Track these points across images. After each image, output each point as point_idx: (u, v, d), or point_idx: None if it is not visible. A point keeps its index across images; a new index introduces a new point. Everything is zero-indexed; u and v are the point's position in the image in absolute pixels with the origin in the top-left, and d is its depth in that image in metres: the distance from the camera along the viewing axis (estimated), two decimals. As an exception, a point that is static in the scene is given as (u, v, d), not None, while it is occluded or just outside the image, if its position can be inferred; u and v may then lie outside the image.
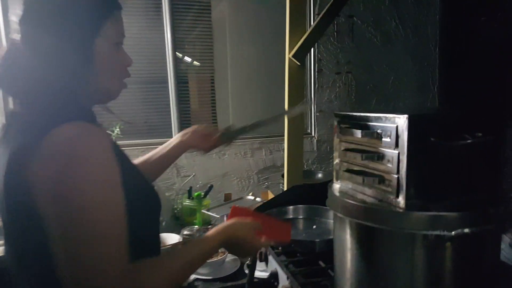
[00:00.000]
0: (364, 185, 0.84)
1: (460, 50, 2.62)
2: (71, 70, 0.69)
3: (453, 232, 0.70)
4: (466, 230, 0.70)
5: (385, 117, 0.78)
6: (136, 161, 1.06)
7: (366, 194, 0.85)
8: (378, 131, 0.80)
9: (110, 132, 2.07)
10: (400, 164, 0.75)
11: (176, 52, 2.52)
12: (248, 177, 2.68)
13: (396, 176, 0.76)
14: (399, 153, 0.75)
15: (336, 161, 0.97)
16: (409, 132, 0.73)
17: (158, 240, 0.88)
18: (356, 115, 0.89)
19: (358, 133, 0.82)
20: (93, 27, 0.71)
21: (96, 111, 0.79)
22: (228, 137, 1.21)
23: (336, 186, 0.97)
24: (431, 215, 0.73)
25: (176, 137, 1.16)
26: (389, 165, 0.78)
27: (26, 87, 0.69)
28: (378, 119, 0.80)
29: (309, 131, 2.82)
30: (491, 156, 0.79)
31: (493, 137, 0.76)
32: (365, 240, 0.83)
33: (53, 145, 0.61)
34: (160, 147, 1.14)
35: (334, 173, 1.00)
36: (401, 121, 0.74)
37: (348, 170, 0.90)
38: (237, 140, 2.59)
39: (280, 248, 1.36)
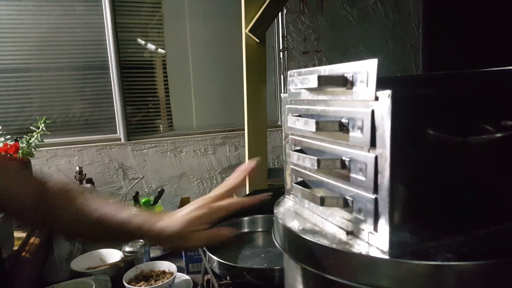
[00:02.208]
0: (324, 207, 0.53)
1: (447, 29, 2.34)
2: None
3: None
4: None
5: (354, 97, 0.46)
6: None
7: (329, 220, 0.54)
8: (342, 120, 0.48)
9: (35, 128, 1.70)
10: (379, 176, 0.43)
11: (138, 39, 2.16)
12: (210, 178, 2.34)
13: (372, 196, 0.45)
14: (376, 158, 0.43)
15: (288, 166, 0.65)
16: (394, 121, 0.41)
17: None
18: (312, 99, 0.57)
19: (312, 124, 0.50)
20: None
21: None
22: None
23: (287, 204, 0.65)
24: (433, 266, 0.42)
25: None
26: (361, 176, 0.46)
27: None
28: (342, 101, 0.48)
29: (278, 123, 2.50)
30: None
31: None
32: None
33: None
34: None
35: (286, 185, 0.68)
36: (381, 102, 0.41)
37: (301, 183, 0.58)
38: (195, 135, 2.31)
39: (228, 277, 1.04)
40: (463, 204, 0.47)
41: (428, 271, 0.42)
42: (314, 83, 0.49)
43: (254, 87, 1.54)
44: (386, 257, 0.43)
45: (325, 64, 2.38)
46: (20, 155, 1.54)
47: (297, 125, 0.56)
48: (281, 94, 0.67)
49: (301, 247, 0.50)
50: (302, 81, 0.54)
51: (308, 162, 0.52)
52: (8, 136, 1.60)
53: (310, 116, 0.55)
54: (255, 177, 1.66)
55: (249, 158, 1.64)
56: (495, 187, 0.47)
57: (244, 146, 2.36)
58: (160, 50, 2.31)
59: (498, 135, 0.43)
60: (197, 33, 2.34)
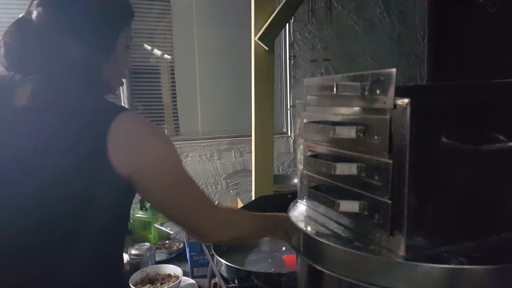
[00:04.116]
0: (339, 212, 0.54)
1: (452, 40, 2.37)
2: (95, 55, 0.74)
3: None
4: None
5: (371, 105, 0.48)
6: None
7: (343, 224, 0.55)
8: (359, 126, 0.50)
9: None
10: (396, 182, 0.45)
11: (145, 44, 2.19)
12: (215, 183, 2.35)
13: (388, 201, 0.46)
14: (393, 164, 0.45)
15: (301, 171, 0.67)
16: (412, 129, 0.43)
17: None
18: (329, 106, 0.58)
19: (329, 130, 0.52)
20: (119, 25, 0.78)
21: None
22: None
23: (301, 208, 0.67)
24: (447, 269, 0.43)
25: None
26: (377, 182, 0.48)
27: (46, 64, 0.71)
28: (360, 108, 0.50)
29: (284, 129, 2.52)
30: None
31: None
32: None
33: (129, 129, 0.69)
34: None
35: (299, 189, 0.70)
36: (399, 110, 0.43)
37: (316, 187, 0.60)
38: (201, 140, 2.33)
39: (236, 281, 1.05)
40: (475, 211, 0.48)
41: (442, 274, 0.43)
42: (332, 91, 0.51)
43: (262, 94, 1.55)
44: (402, 260, 0.44)
45: (331, 73, 2.41)
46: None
47: (313, 132, 0.58)
48: (296, 101, 0.68)
49: (317, 250, 0.52)
50: (319, 89, 0.56)
51: (324, 167, 0.54)
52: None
53: (325, 122, 0.57)
54: (261, 183, 1.67)
55: (255, 164, 1.65)
56: (506, 195, 0.49)
57: (250, 152, 2.37)
58: (166, 56, 2.33)
59: (510, 144, 0.45)
60: (204, 40, 2.37)
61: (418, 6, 2.63)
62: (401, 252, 0.45)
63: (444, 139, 0.45)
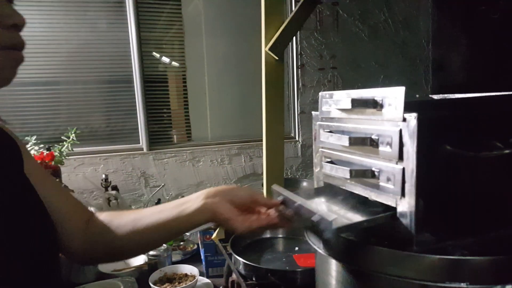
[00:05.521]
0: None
1: (455, 45, 2.43)
2: None
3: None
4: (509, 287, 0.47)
5: (383, 117, 0.55)
6: (126, 215, 0.73)
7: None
8: (373, 136, 0.57)
9: (65, 138, 1.80)
10: (406, 185, 0.52)
11: (153, 53, 2.28)
12: (226, 186, 2.43)
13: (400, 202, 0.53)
14: (403, 169, 0.52)
15: (316, 176, 0.74)
16: (419, 139, 0.49)
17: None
18: (343, 117, 0.65)
19: (345, 140, 0.59)
20: None
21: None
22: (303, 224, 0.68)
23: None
24: (451, 260, 0.50)
25: (195, 197, 0.68)
26: (389, 185, 0.54)
27: None
28: (372, 120, 0.57)
29: (292, 134, 2.59)
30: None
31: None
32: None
33: None
34: (163, 205, 0.71)
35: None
36: (408, 122, 0.50)
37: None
38: (212, 145, 2.41)
39: (254, 278, 1.12)
40: (475, 210, 0.55)
41: (447, 264, 0.50)
42: (347, 105, 0.58)
43: (273, 102, 1.61)
44: (412, 252, 0.51)
45: (338, 79, 2.47)
46: (53, 163, 1.64)
47: (330, 140, 0.65)
48: (312, 112, 0.75)
49: (337, 245, 0.59)
50: (335, 102, 0.63)
51: (341, 172, 0.60)
52: (42, 145, 1.70)
53: (342, 132, 0.64)
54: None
55: (266, 169, 1.71)
56: (503, 195, 0.55)
57: (259, 156, 2.45)
58: (174, 63, 2.42)
59: (507, 151, 0.52)
60: (214, 48, 2.45)
61: (422, 12, 2.69)
62: (411, 245, 0.51)
63: (447, 147, 0.52)
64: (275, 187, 0.72)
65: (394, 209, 0.54)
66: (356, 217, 0.56)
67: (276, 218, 0.66)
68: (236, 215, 0.65)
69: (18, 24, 0.50)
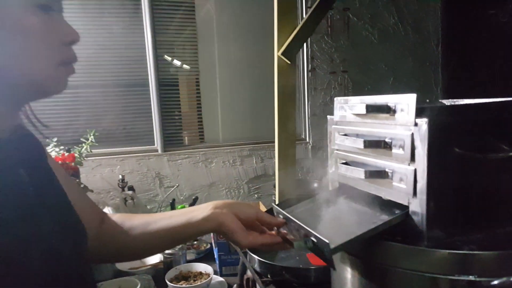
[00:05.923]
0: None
1: (465, 47, 2.45)
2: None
3: (496, 281, 0.51)
4: (514, 279, 0.51)
5: (396, 122, 0.59)
6: (138, 218, 0.77)
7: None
8: (386, 139, 0.61)
9: (84, 140, 1.87)
10: (418, 185, 0.56)
11: (165, 56, 2.34)
12: (238, 187, 2.48)
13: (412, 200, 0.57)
14: (415, 170, 0.56)
15: (330, 177, 0.78)
16: (430, 142, 0.53)
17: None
18: (358, 121, 0.70)
19: (359, 142, 0.63)
20: None
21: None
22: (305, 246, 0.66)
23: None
24: (460, 254, 0.53)
25: (204, 206, 0.73)
26: (402, 185, 0.59)
27: None
28: (385, 124, 0.61)
29: (302, 136, 2.63)
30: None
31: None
32: (372, 281, 0.64)
33: None
34: (174, 212, 0.77)
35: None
36: (420, 127, 0.54)
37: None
38: (224, 147, 2.47)
39: (269, 275, 1.16)
40: (483, 208, 0.59)
41: (456, 258, 0.54)
42: (362, 110, 0.63)
43: (284, 105, 1.66)
44: (424, 247, 0.55)
45: (348, 81, 2.51)
46: (73, 164, 1.71)
47: (346, 143, 0.69)
48: (327, 116, 0.80)
49: (352, 241, 0.63)
50: (351, 107, 0.68)
51: (356, 173, 0.65)
52: (62, 147, 1.77)
53: (356, 135, 0.68)
54: (284, 188, 1.78)
55: (279, 170, 1.75)
56: (509, 194, 0.59)
57: (270, 158, 2.49)
58: (185, 66, 2.48)
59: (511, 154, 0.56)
60: (226, 52, 2.50)
61: (431, 14, 2.72)
62: (423, 240, 0.55)
63: (456, 149, 0.56)
64: (276, 207, 0.76)
65: (395, 213, 0.59)
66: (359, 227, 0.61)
67: (279, 238, 0.70)
68: (241, 229, 0.70)
69: (75, 41, 0.55)
